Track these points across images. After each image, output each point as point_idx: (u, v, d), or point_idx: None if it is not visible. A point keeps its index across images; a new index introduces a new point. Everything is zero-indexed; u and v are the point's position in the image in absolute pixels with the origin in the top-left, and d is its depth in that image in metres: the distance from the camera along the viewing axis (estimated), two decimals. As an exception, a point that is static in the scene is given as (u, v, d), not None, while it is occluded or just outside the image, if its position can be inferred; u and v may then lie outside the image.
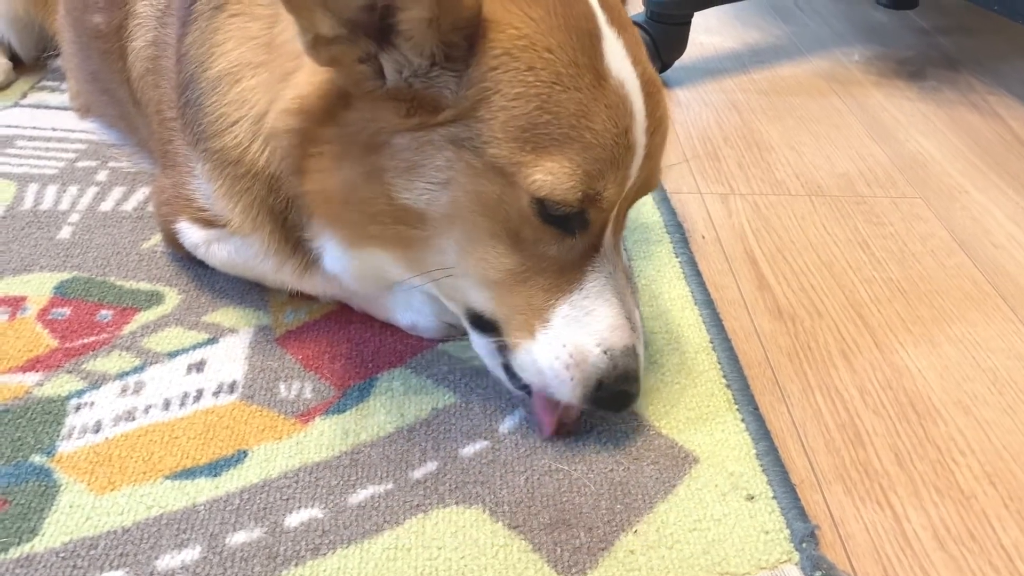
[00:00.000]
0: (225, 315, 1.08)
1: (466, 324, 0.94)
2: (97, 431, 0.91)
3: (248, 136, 0.94)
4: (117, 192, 1.32)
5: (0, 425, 0.90)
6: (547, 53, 0.80)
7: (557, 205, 0.82)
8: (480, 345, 0.94)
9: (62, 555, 0.78)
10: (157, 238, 1.20)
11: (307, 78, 0.86)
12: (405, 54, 0.80)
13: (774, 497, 0.88)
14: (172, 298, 1.10)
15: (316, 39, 0.79)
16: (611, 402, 0.89)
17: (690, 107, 1.78)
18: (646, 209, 1.36)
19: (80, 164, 1.38)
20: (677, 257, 1.25)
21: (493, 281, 0.87)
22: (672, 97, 1.82)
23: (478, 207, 0.84)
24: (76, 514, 0.82)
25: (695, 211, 1.41)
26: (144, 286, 1.12)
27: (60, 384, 0.96)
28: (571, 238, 0.86)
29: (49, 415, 0.92)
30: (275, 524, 0.82)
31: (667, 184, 1.46)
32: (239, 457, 0.89)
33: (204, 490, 0.85)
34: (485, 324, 0.92)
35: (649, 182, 0.90)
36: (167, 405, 0.95)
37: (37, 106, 1.57)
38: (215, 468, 0.88)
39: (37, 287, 1.10)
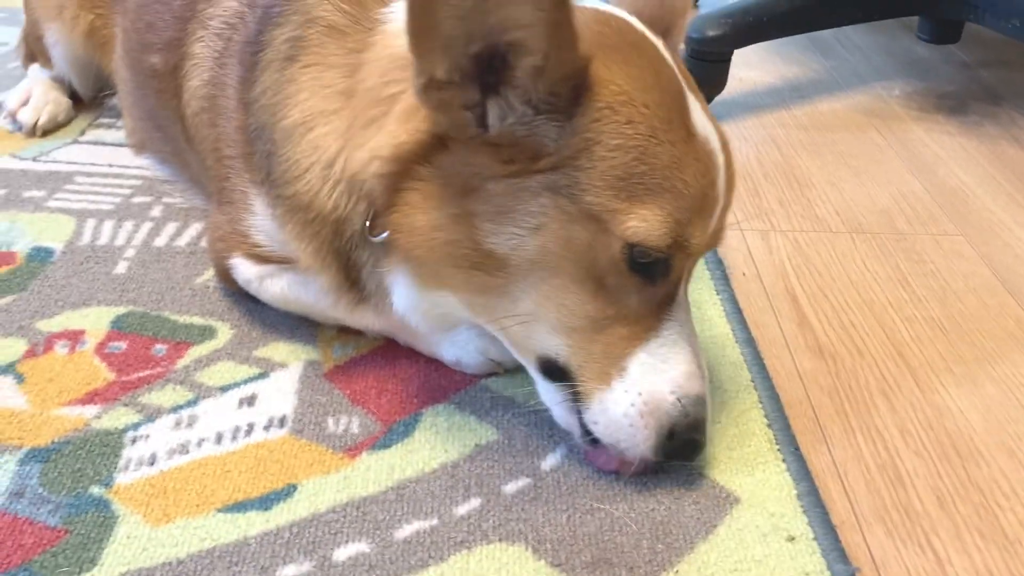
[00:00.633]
0: (275, 350, 1.11)
1: (534, 373, 0.96)
2: (152, 463, 0.94)
3: (319, 181, 0.97)
4: (171, 227, 1.36)
5: (61, 456, 0.94)
6: (644, 108, 0.84)
7: (648, 251, 0.85)
8: (549, 394, 0.95)
9: (120, 585, 0.81)
10: (210, 273, 1.24)
11: (400, 125, 0.89)
12: (512, 102, 0.83)
13: (815, 538, 0.89)
14: (224, 333, 1.14)
15: (429, 83, 0.82)
16: (681, 451, 0.91)
17: (730, 143, 1.79)
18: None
19: (135, 200, 1.43)
20: (718, 295, 1.26)
21: (572, 328, 0.89)
22: (712, 133, 1.83)
23: (567, 252, 0.86)
24: (133, 545, 0.85)
25: (735, 248, 1.42)
26: (197, 320, 1.16)
27: (117, 417, 1.00)
28: (652, 287, 0.88)
29: (107, 447, 0.95)
30: (324, 558, 0.84)
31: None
32: (288, 491, 0.92)
33: (255, 523, 0.88)
34: (556, 371, 0.93)
35: (717, 236, 0.94)
36: (219, 439, 0.97)
37: (95, 143, 1.62)
38: (266, 502, 0.90)
39: (95, 321, 1.14)
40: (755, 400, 1.07)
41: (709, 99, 1.89)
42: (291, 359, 1.10)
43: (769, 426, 1.03)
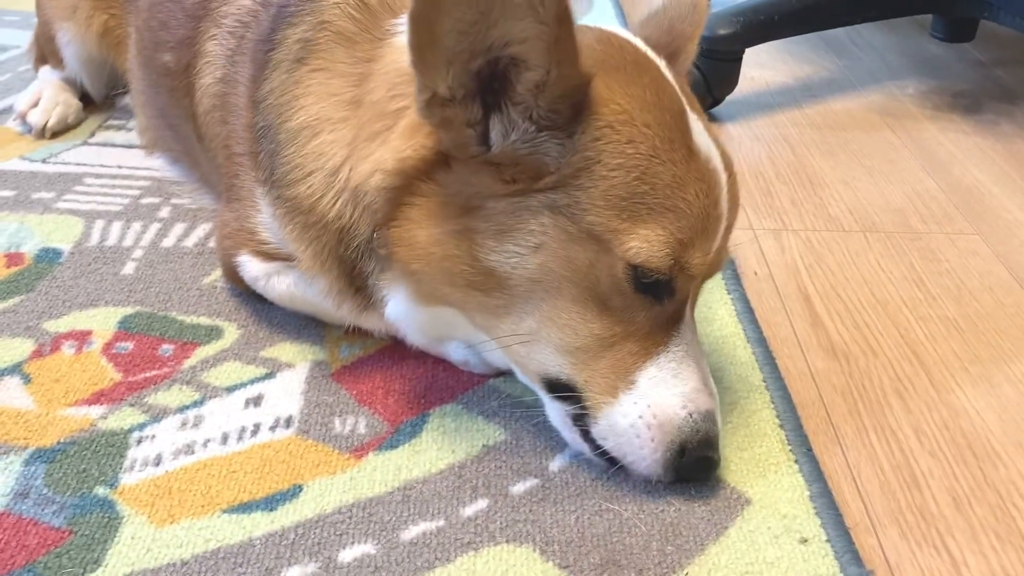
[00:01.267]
0: (282, 350, 1.11)
1: (540, 392, 0.95)
2: (158, 464, 0.93)
3: (321, 188, 0.97)
4: (179, 228, 1.36)
5: (67, 457, 0.93)
6: (645, 128, 0.84)
7: (650, 272, 0.84)
8: (555, 413, 0.94)
9: (124, 586, 0.80)
10: (217, 273, 1.24)
11: (404, 140, 0.89)
12: (513, 118, 0.83)
13: (828, 540, 0.87)
14: (231, 333, 1.13)
15: (432, 99, 0.82)
16: (695, 469, 0.90)
17: (742, 142, 1.78)
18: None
19: (144, 201, 1.43)
20: (729, 294, 1.25)
21: (576, 347, 0.89)
22: (723, 133, 1.82)
23: (568, 272, 0.86)
24: (138, 546, 0.84)
25: (747, 247, 1.40)
26: (204, 321, 1.15)
27: (123, 417, 0.99)
28: (658, 306, 0.88)
29: (112, 448, 0.95)
30: (329, 559, 0.84)
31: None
32: (294, 492, 0.91)
33: (260, 524, 0.87)
34: (561, 388, 0.92)
35: (722, 255, 0.93)
36: (225, 439, 0.97)
37: (104, 144, 1.62)
38: (271, 502, 0.89)
39: (102, 321, 1.14)
40: (767, 400, 1.05)
41: (721, 98, 1.88)
42: (298, 359, 1.09)
43: (781, 427, 1.01)
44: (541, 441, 0.98)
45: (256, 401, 1.02)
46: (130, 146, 1.61)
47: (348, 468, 0.94)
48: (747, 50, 1.88)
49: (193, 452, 0.95)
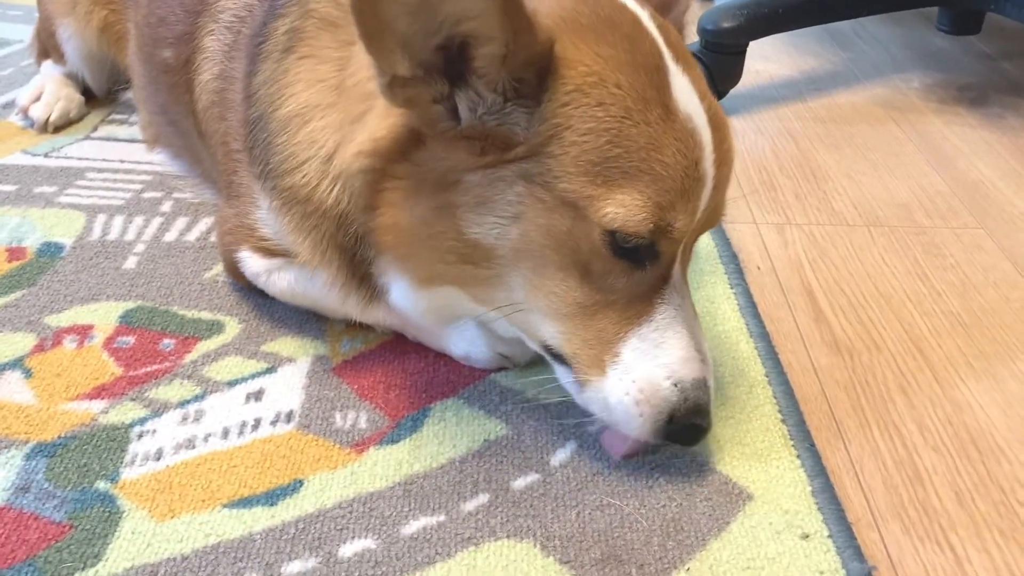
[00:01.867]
0: (283, 344, 1.10)
1: (547, 357, 0.95)
2: (158, 459, 0.93)
3: (317, 175, 0.96)
4: (180, 223, 1.35)
5: (67, 452, 0.93)
6: (616, 89, 0.82)
7: (628, 237, 0.83)
8: (563, 376, 0.94)
9: (124, 581, 0.80)
10: (218, 268, 1.23)
11: (380, 120, 0.88)
12: (479, 91, 0.82)
13: (830, 536, 0.87)
14: (232, 327, 1.13)
15: (393, 81, 0.81)
16: (682, 435, 0.89)
17: (746, 136, 1.77)
18: (700, 239, 1.35)
19: (146, 195, 1.43)
20: (732, 288, 1.24)
21: (563, 315, 0.88)
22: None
23: (548, 241, 0.85)
24: (138, 540, 0.84)
25: (750, 241, 1.40)
26: (205, 315, 1.15)
27: (124, 412, 0.99)
28: (641, 271, 0.86)
29: (113, 442, 0.95)
30: (329, 554, 0.83)
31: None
32: (295, 486, 0.91)
33: (260, 519, 0.87)
34: (561, 357, 0.92)
35: (715, 215, 0.92)
36: (226, 434, 0.97)
37: (106, 139, 1.62)
38: (271, 497, 0.89)
39: (104, 316, 1.14)
40: (769, 395, 1.05)
41: (725, 92, 1.87)
42: (299, 354, 1.09)
43: (783, 421, 1.01)
44: (543, 436, 0.98)
45: (257, 395, 1.02)
46: (132, 141, 1.60)
47: (349, 463, 0.94)
48: (751, 43, 1.87)
49: (194, 447, 0.95)
